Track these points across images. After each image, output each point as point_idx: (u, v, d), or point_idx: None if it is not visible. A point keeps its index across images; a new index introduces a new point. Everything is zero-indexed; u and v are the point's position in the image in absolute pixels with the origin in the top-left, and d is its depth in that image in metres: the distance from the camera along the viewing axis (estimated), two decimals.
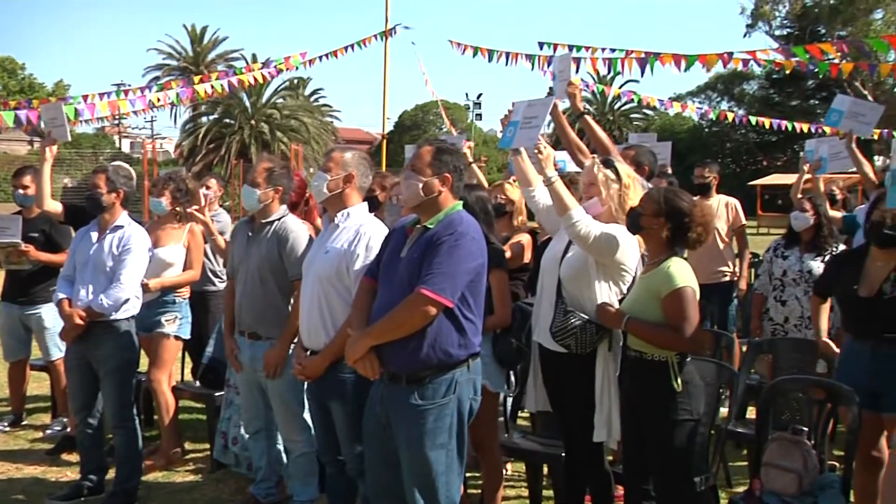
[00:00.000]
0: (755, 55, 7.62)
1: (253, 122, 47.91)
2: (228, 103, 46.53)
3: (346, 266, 3.94)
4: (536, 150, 4.17)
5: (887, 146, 33.82)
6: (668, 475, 3.79)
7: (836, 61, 8.04)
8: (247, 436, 5.11)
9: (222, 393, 5.54)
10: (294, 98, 52.04)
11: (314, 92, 55.41)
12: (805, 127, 16.33)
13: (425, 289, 3.40)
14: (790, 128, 16.38)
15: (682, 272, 3.76)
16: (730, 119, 19.23)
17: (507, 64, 11.39)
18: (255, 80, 13.94)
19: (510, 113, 4.52)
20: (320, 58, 14.63)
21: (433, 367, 3.50)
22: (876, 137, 16.35)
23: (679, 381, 3.72)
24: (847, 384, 4.12)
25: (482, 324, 3.68)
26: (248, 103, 48.48)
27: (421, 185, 3.62)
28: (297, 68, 14.74)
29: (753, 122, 18.21)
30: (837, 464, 4.80)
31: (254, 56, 46.70)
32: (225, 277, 6.46)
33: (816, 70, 7.69)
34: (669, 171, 7.26)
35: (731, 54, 8.10)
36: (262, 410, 4.77)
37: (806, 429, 3.99)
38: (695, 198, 4.11)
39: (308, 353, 4.05)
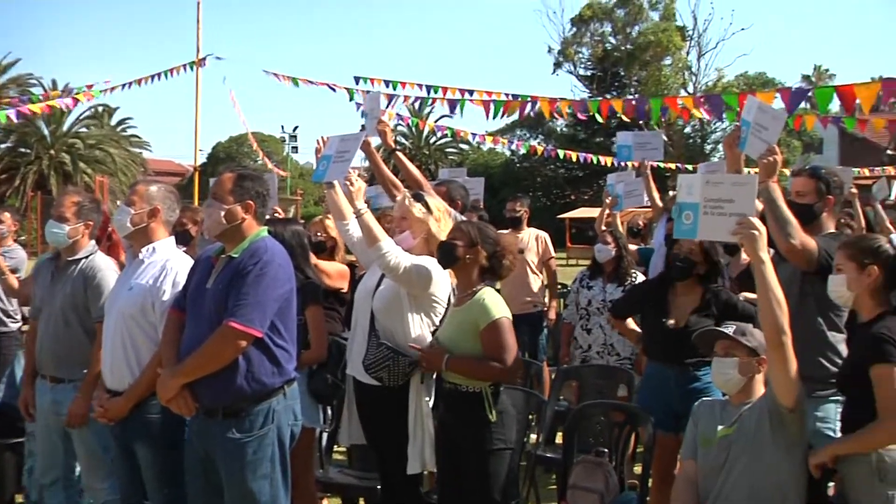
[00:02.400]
0: (553, 106, 8.15)
1: (52, 151, 44.99)
2: (24, 131, 43.52)
3: (151, 302, 3.80)
4: (348, 182, 4.21)
5: None
6: (483, 503, 3.87)
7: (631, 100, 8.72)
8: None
9: (21, 440, 5.12)
10: (99, 127, 49.36)
11: (122, 121, 52.78)
12: (608, 161, 17.37)
13: (234, 321, 3.37)
14: (595, 161, 17.28)
15: (496, 303, 3.89)
16: (539, 151, 20.01)
17: (334, 91, 11.33)
18: (52, 108, 13.16)
19: (323, 145, 4.53)
20: (125, 86, 13.98)
21: (249, 399, 3.47)
22: (672, 169, 17.64)
23: (493, 411, 3.83)
24: (654, 408, 4.39)
25: (296, 349, 3.67)
26: (46, 132, 45.52)
27: (223, 213, 3.58)
28: (96, 97, 14.04)
29: (561, 156, 19.22)
30: (638, 482, 5.08)
31: (53, 82, 44.02)
32: (18, 318, 6.04)
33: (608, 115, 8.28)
34: (482, 205, 7.51)
35: (534, 103, 8.57)
36: (60, 458, 4.46)
37: (607, 450, 4.21)
38: (507, 230, 4.28)
39: (111, 394, 3.85)
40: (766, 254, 3.12)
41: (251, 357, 3.45)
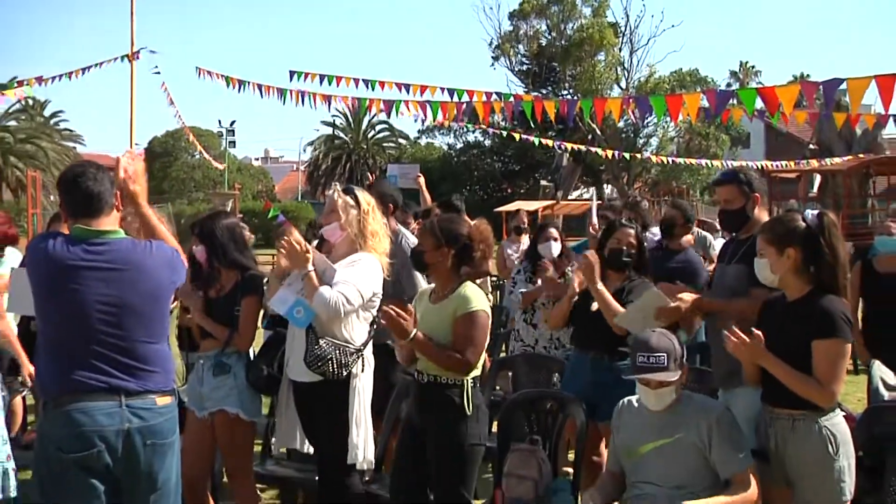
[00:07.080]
0: (488, 109, 8.25)
1: None
2: None
3: None
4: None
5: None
6: (449, 496, 3.93)
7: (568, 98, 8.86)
8: None
9: None
10: (30, 121, 47.87)
11: (54, 114, 51.30)
12: (550, 143, 18.33)
13: None
14: (536, 142, 17.17)
15: (477, 296, 3.93)
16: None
17: (262, 96, 11.12)
18: None
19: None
20: (54, 79, 13.54)
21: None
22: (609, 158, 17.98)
23: (470, 404, 3.88)
24: (571, 394, 4.51)
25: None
26: None
27: None
28: (26, 94, 13.63)
29: (511, 136, 19.58)
30: (572, 469, 5.20)
31: None
32: None
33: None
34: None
35: (469, 102, 8.67)
36: None
37: (539, 438, 4.31)
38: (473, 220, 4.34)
39: None
40: None
41: (39, 356, 3.26)
